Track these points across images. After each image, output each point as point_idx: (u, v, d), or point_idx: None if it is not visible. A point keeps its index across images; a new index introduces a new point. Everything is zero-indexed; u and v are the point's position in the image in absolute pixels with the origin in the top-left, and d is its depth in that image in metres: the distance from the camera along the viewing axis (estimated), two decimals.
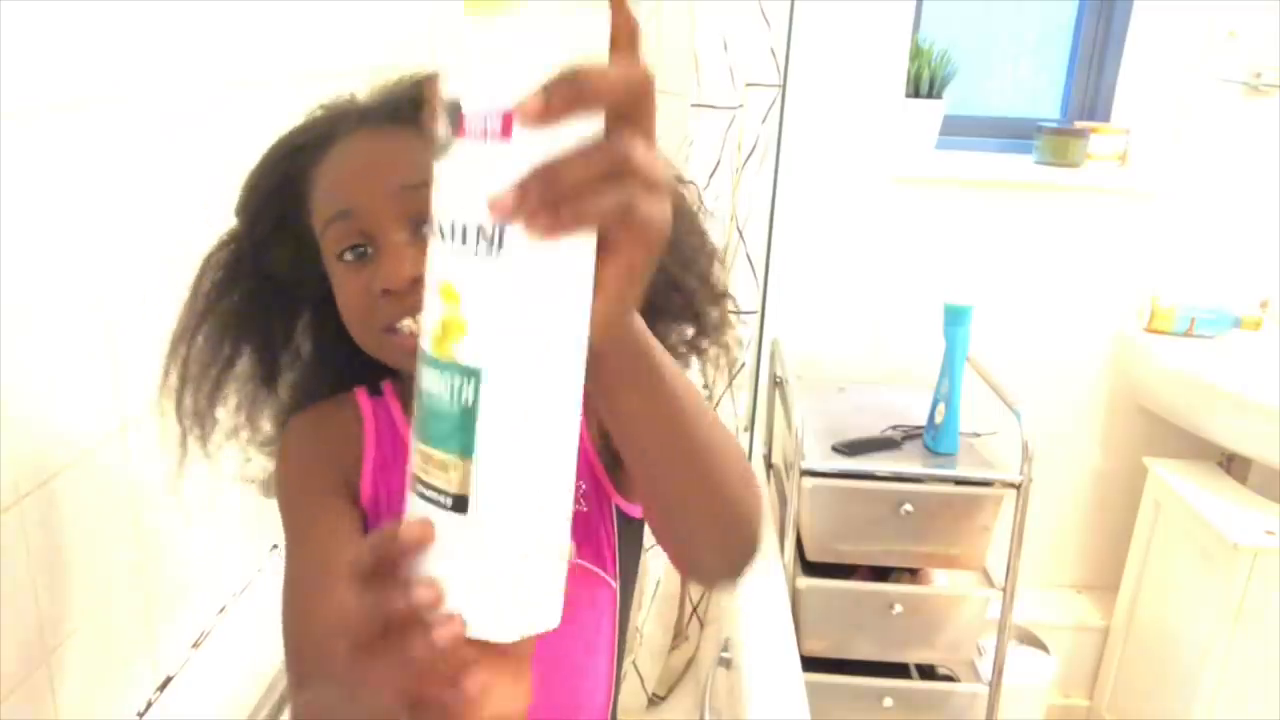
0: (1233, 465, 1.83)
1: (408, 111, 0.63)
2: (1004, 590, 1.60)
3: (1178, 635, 1.74)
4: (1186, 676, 1.68)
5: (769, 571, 1.43)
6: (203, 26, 1.03)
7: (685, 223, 0.68)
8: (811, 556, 1.63)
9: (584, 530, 0.69)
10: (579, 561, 0.70)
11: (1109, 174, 1.87)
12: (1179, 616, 1.75)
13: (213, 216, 0.78)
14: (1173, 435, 1.90)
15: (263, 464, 0.79)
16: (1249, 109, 1.81)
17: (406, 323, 0.62)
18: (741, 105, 1.41)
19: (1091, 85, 1.99)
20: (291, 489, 0.73)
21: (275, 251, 0.70)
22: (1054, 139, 1.87)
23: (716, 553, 0.58)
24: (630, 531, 0.71)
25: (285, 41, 1.25)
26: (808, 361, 1.93)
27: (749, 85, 1.41)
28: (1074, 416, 2.00)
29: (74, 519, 0.84)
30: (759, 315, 1.51)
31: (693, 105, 1.38)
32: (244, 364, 0.73)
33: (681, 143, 1.41)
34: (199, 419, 0.72)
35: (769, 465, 1.88)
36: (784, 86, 1.44)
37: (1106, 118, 1.94)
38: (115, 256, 0.87)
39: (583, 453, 0.68)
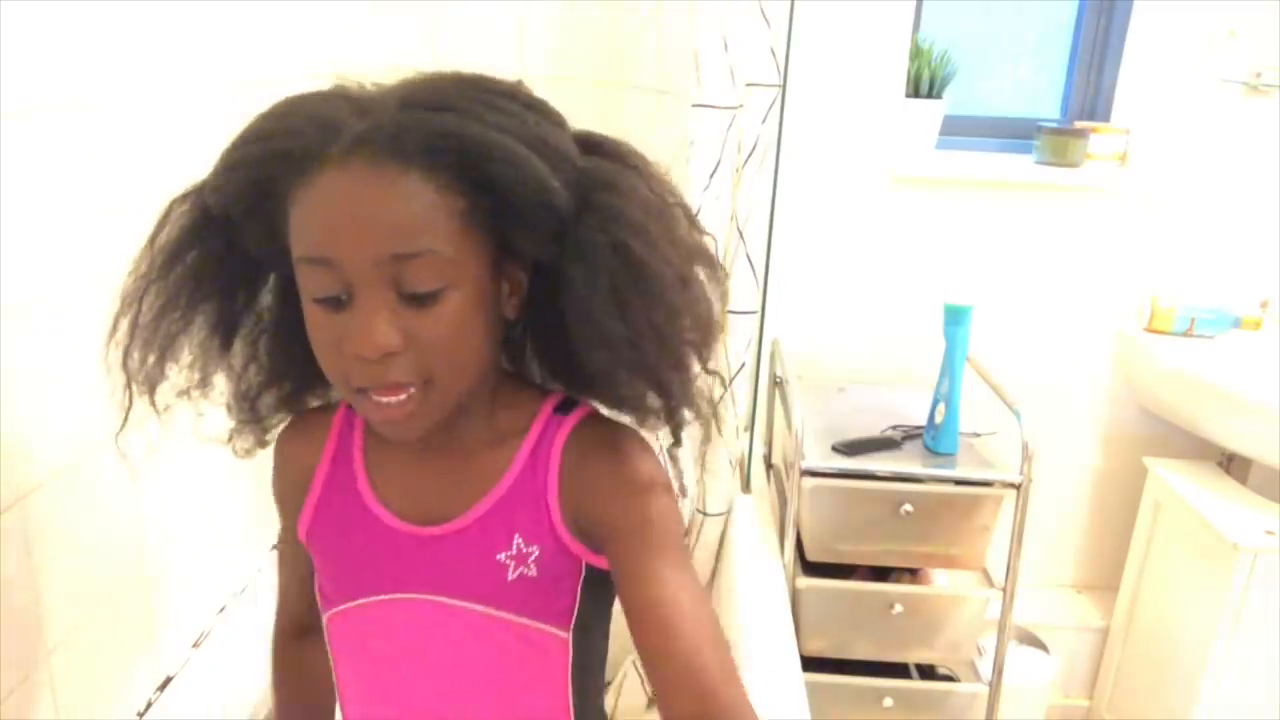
0: (1233, 465, 1.83)
1: (417, 145, 0.58)
2: (1004, 590, 1.60)
3: (1178, 635, 1.74)
4: (1186, 676, 1.68)
5: (769, 571, 1.43)
6: (203, 27, 1.03)
7: (640, 286, 0.62)
8: (811, 556, 1.63)
9: (530, 593, 0.68)
10: (524, 621, 0.69)
11: (1109, 174, 1.87)
12: (1179, 616, 1.75)
13: None
14: (1173, 435, 1.90)
15: (221, 421, 0.75)
16: (1249, 109, 1.81)
17: (387, 401, 0.60)
18: (742, 105, 1.41)
19: (1091, 85, 1.98)
20: (274, 495, 0.78)
21: (245, 230, 0.64)
22: (1054, 139, 1.87)
23: None
24: (600, 579, 0.70)
25: (285, 42, 1.25)
26: (808, 361, 1.93)
27: (749, 85, 1.41)
28: (1074, 416, 2.00)
29: (74, 519, 0.84)
30: (759, 315, 1.51)
31: (693, 105, 1.37)
32: (200, 324, 0.68)
33: (682, 143, 1.40)
34: (147, 377, 0.67)
35: (769, 465, 1.88)
36: (784, 86, 1.43)
37: (1106, 118, 1.94)
38: (114, 256, 0.87)
39: (544, 520, 0.68)
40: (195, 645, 1.05)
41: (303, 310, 0.62)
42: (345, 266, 0.58)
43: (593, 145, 0.66)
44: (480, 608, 0.69)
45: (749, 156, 1.44)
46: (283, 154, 0.60)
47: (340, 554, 0.73)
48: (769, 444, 1.90)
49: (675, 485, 0.70)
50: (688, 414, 0.67)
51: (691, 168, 1.39)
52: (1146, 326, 1.86)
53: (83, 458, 0.84)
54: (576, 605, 0.70)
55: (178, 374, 0.68)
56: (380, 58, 1.74)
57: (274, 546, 0.80)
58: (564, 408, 0.71)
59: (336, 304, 0.59)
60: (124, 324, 0.66)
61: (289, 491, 0.76)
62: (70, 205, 0.81)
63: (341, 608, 0.73)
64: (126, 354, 0.67)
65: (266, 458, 0.77)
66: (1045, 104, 2.05)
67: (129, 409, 0.68)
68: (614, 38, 1.76)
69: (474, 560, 0.68)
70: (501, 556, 0.68)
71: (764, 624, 1.29)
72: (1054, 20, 2.01)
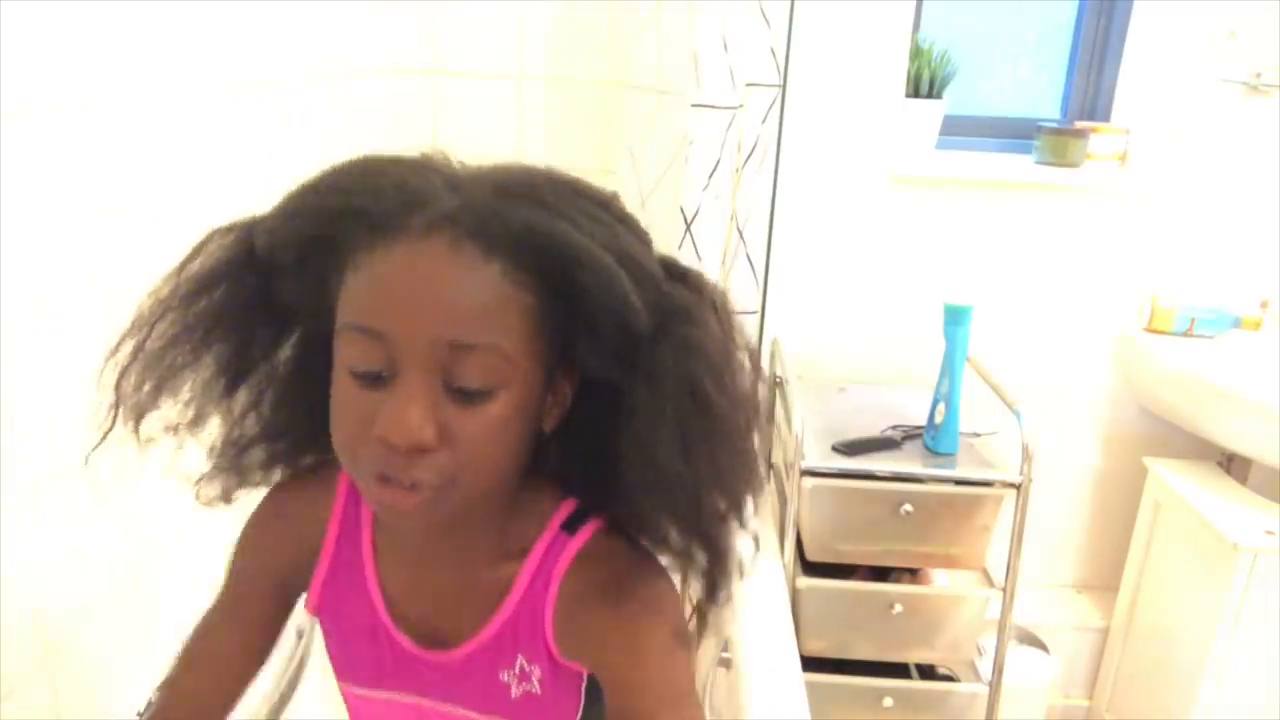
0: (1233, 465, 1.83)
1: (500, 233, 0.55)
2: (1004, 590, 1.60)
3: (1178, 635, 1.74)
4: (1186, 676, 1.68)
5: (769, 571, 1.43)
6: (203, 27, 1.03)
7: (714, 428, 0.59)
8: (811, 556, 1.63)
9: (535, 706, 0.68)
10: None
11: (1109, 174, 1.87)
12: (1179, 616, 1.75)
13: (209, 216, 0.77)
14: (1173, 435, 1.90)
15: (199, 461, 0.70)
16: (1249, 109, 1.81)
17: (400, 497, 0.56)
18: (741, 105, 1.41)
19: (1091, 85, 1.98)
20: (236, 555, 0.73)
21: (288, 279, 0.60)
22: (1054, 139, 1.87)
23: None
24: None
25: (285, 42, 1.25)
26: (808, 361, 1.93)
27: (749, 85, 1.41)
28: (1074, 416, 2.00)
29: (75, 519, 0.84)
30: (759, 315, 1.51)
31: (693, 105, 1.37)
32: (209, 363, 0.63)
33: (681, 143, 1.40)
34: (139, 404, 0.63)
35: (769, 465, 1.88)
36: (784, 86, 1.43)
37: (1106, 118, 1.94)
38: (114, 256, 0.87)
39: (541, 645, 0.66)
40: None
41: (326, 374, 0.59)
42: (397, 343, 0.54)
43: (676, 272, 0.63)
44: (487, 718, 0.68)
45: (749, 156, 1.44)
46: (359, 214, 0.56)
47: (348, 643, 0.71)
48: (769, 444, 1.90)
49: (694, 625, 0.67)
50: (727, 579, 0.63)
51: (691, 167, 1.39)
52: (1146, 326, 1.86)
53: (81, 459, 0.84)
54: (581, 707, 0.69)
55: (170, 408, 0.64)
56: (380, 58, 1.74)
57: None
58: (571, 523, 0.67)
59: (374, 380, 0.55)
60: (129, 345, 0.62)
61: (286, 548, 0.71)
62: (70, 205, 0.81)
63: (355, 689, 0.72)
64: (123, 376, 0.63)
65: None
66: (1045, 104, 2.05)
67: (109, 431, 0.64)
68: (614, 38, 1.76)
69: (480, 677, 0.67)
70: (505, 675, 0.67)
71: (764, 624, 1.29)
72: (1054, 20, 2.01)
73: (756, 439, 0.63)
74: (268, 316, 0.63)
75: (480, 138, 1.84)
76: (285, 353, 0.66)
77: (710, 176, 1.40)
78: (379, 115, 1.76)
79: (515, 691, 0.67)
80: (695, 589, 0.65)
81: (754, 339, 1.44)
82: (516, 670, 0.66)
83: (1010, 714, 1.77)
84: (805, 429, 1.58)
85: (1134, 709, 1.88)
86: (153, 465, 0.78)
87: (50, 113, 0.78)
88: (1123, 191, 1.88)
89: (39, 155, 0.76)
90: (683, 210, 1.40)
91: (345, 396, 0.57)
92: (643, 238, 0.61)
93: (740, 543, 0.63)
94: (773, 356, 1.86)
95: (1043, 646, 1.94)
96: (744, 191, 1.45)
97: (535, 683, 0.66)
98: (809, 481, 1.56)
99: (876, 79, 1.82)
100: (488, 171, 0.60)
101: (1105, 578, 2.06)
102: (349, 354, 0.56)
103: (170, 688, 0.74)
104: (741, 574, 0.64)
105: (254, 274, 0.61)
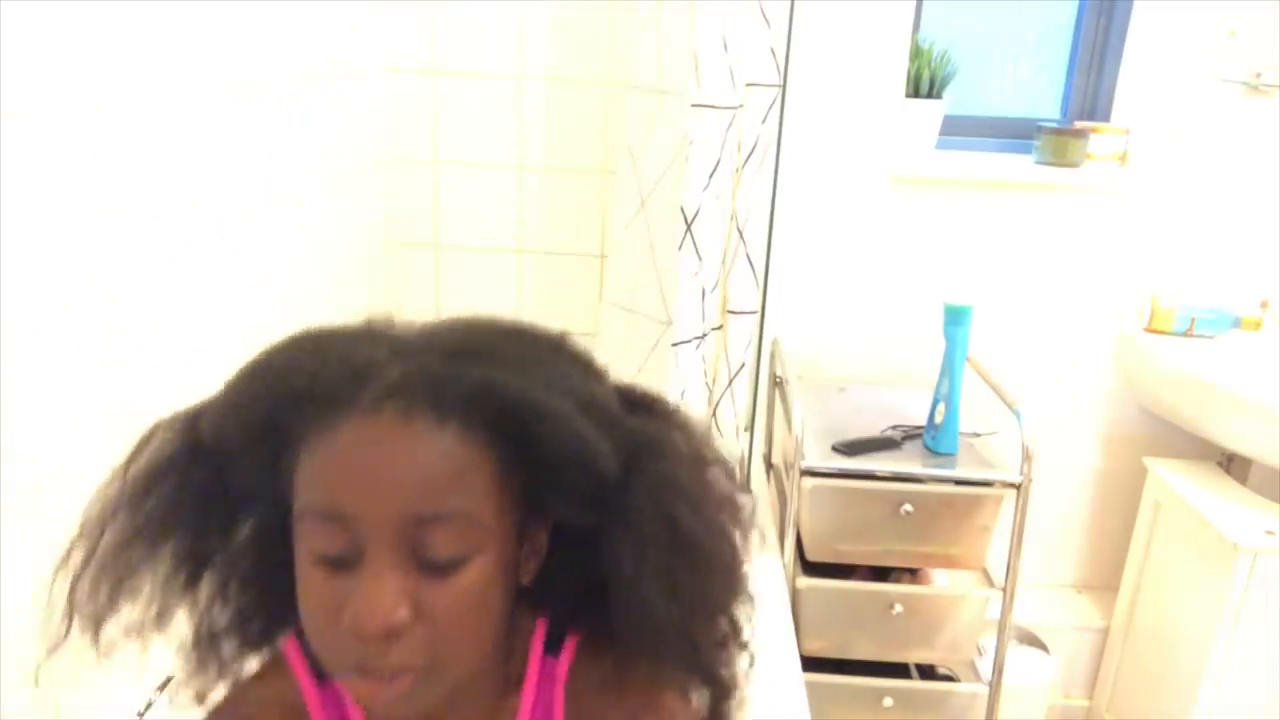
0: (1233, 465, 1.83)
1: (451, 397, 0.52)
2: (1004, 590, 1.60)
3: (1178, 635, 1.74)
4: (1186, 676, 1.68)
5: (769, 571, 1.43)
6: (203, 27, 1.03)
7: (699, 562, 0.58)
8: (811, 556, 1.63)
9: None
10: None
11: (1109, 174, 1.87)
12: (1179, 616, 1.75)
13: (209, 216, 0.78)
14: (1173, 435, 1.90)
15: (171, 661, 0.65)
16: (1249, 109, 1.81)
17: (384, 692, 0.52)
18: (741, 105, 1.41)
19: (1091, 85, 1.99)
20: None
21: (239, 469, 0.57)
22: (1054, 139, 1.87)
23: None
24: None
25: (285, 42, 1.25)
26: (808, 361, 1.93)
27: (749, 85, 1.41)
28: (1074, 417, 2.00)
29: (74, 519, 0.84)
30: (759, 315, 1.51)
31: (693, 105, 1.37)
32: (166, 558, 0.59)
33: (682, 143, 1.41)
34: (95, 612, 0.58)
35: (769, 465, 1.89)
36: (784, 86, 1.43)
37: (1106, 118, 1.94)
38: (114, 257, 0.87)
39: None
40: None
41: (289, 552, 0.55)
42: (360, 524, 0.51)
43: (634, 401, 0.61)
44: None
45: (749, 156, 1.44)
46: (305, 394, 0.53)
47: None
48: (769, 444, 1.90)
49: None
50: (729, 703, 0.62)
51: (691, 167, 1.39)
52: (1146, 326, 1.86)
53: (82, 458, 0.84)
54: None
55: (131, 610, 0.59)
56: (380, 58, 1.74)
57: None
58: (551, 642, 0.64)
59: (340, 565, 0.52)
60: (80, 552, 0.58)
61: None
62: (70, 205, 0.81)
63: None
64: (76, 584, 0.58)
65: None
66: (1045, 104, 2.05)
67: (62, 642, 0.59)
68: (614, 38, 1.76)
69: None
70: None
71: (764, 624, 1.28)
72: (1054, 20, 2.01)
73: (741, 544, 0.61)
74: (222, 505, 0.59)
75: (480, 138, 1.84)
76: (245, 536, 0.61)
77: (710, 176, 1.40)
78: (379, 115, 1.76)
79: None
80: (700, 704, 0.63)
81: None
82: None
83: (1010, 714, 1.77)
84: (805, 429, 1.58)
85: (1134, 709, 1.88)
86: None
87: (50, 113, 0.78)
88: (1123, 191, 1.88)
89: (39, 155, 0.76)
90: (683, 210, 1.40)
91: (311, 586, 0.54)
92: (599, 374, 0.60)
93: (741, 661, 0.63)
94: (773, 356, 1.86)
95: (1043, 646, 1.94)
96: (744, 191, 1.45)
97: None
98: (809, 481, 1.56)
99: (876, 79, 1.82)
100: (436, 332, 0.57)
101: (1105, 578, 2.07)
102: (310, 540, 0.53)
103: None
104: (742, 690, 0.63)
105: (202, 466, 0.57)
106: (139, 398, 0.95)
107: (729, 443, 1.53)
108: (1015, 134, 1.98)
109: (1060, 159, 1.86)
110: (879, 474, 1.58)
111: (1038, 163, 1.89)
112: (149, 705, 0.95)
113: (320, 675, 0.63)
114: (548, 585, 0.61)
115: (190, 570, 0.60)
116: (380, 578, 0.51)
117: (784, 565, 1.53)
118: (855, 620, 1.64)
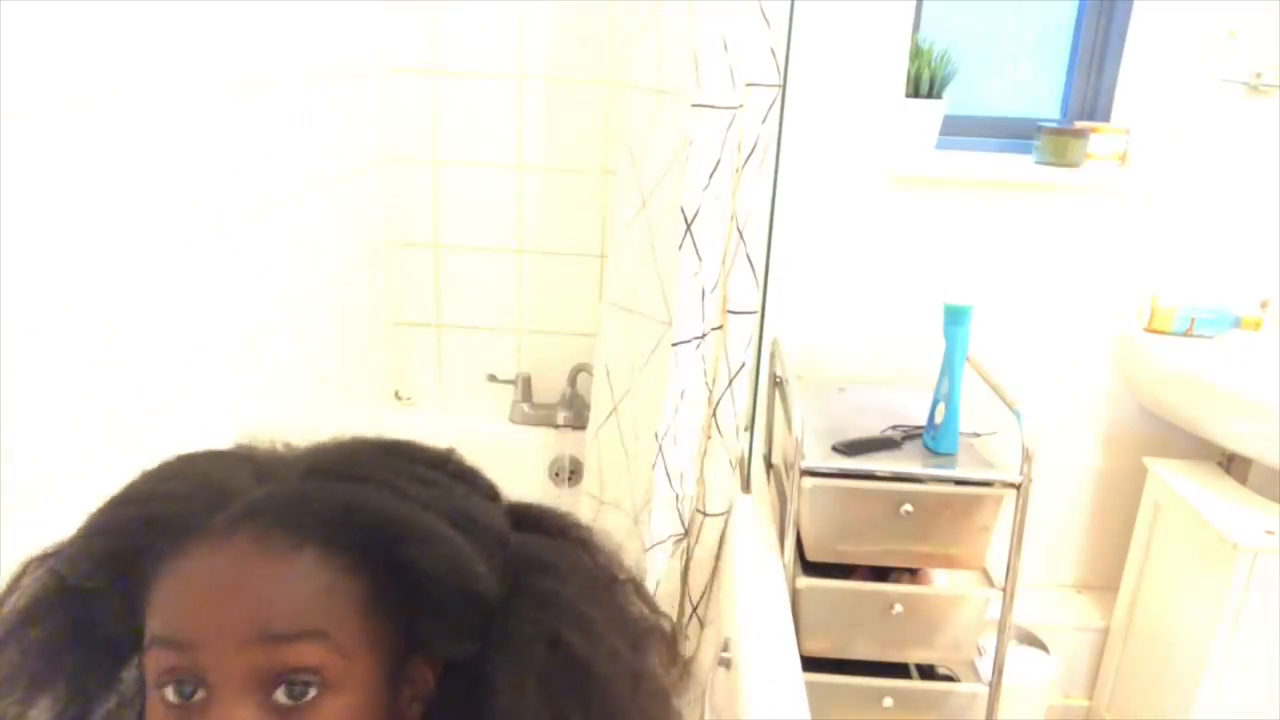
0: (1233, 465, 1.83)
1: (314, 518, 0.50)
2: (1004, 590, 1.60)
3: (1178, 635, 1.74)
4: (1186, 676, 1.68)
5: (769, 571, 1.43)
6: (202, 27, 1.03)
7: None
8: (811, 556, 1.63)
9: None
10: None
11: (1109, 174, 1.87)
12: (1179, 616, 1.75)
13: (209, 216, 0.78)
14: (1173, 435, 1.90)
15: None
16: (1249, 109, 1.81)
17: None
18: (742, 105, 1.41)
19: (1091, 85, 1.99)
20: None
21: (101, 608, 0.53)
22: (1054, 139, 1.87)
23: None
24: None
25: (285, 42, 1.26)
26: (808, 361, 1.93)
27: (749, 85, 1.41)
28: (1074, 417, 2.00)
29: (74, 519, 0.84)
30: (759, 315, 1.51)
31: (693, 105, 1.37)
32: (46, 707, 0.55)
33: (682, 143, 1.41)
34: None
35: (769, 465, 1.89)
36: (784, 86, 1.44)
37: (1106, 118, 1.94)
38: (114, 256, 0.87)
39: None
40: None
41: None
42: (204, 651, 0.47)
43: (529, 519, 0.58)
44: None
45: (749, 156, 1.44)
46: (158, 521, 0.50)
47: None
48: (769, 444, 1.90)
49: None
50: None
51: (691, 167, 1.39)
52: (1146, 326, 1.86)
53: (81, 459, 0.84)
54: None
55: None
56: (380, 58, 1.74)
57: None
58: None
59: (186, 699, 0.48)
60: None
61: None
62: (70, 205, 0.81)
63: None
64: None
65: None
66: (1045, 104, 2.05)
67: None
68: (614, 38, 1.76)
69: None
70: None
71: (764, 624, 1.29)
72: (1054, 20, 2.01)
73: (659, 672, 0.56)
74: (97, 649, 0.55)
75: (480, 138, 1.84)
76: (130, 678, 0.57)
77: (710, 177, 1.40)
78: (379, 115, 1.76)
79: None
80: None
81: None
82: None
83: (1010, 714, 1.77)
84: (805, 429, 1.58)
85: (1134, 709, 1.88)
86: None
87: (50, 113, 0.78)
88: (1123, 191, 1.88)
89: (39, 155, 0.76)
90: (683, 210, 1.40)
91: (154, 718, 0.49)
92: (485, 490, 0.57)
93: None
94: (773, 356, 1.86)
95: (1043, 646, 1.94)
96: (744, 191, 1.45)
97: None
98: (809, 481, 1.56)
99: (876, 79, 1.82)
100: (304, 453, 0.55)
101: (1105, 578, 2.07)
102: (154, 672, 0.49)
103: None
104: None
105: (71, 605, 0.53)
106: (139, 398, 0.95)
107: (729, 443, 1.53)
108: (1015, 134, 1.99)
109: (1060, 159, 1.86)
110: (879, 474, 1.58)
111: (1038, 163, 1.90)
112: None
113: None
114: None
115: (75, 713, 0.56)
116: (230, 708, 0.47)
117: (784, 565, 1.53)
118: (855, 620, 1.64)
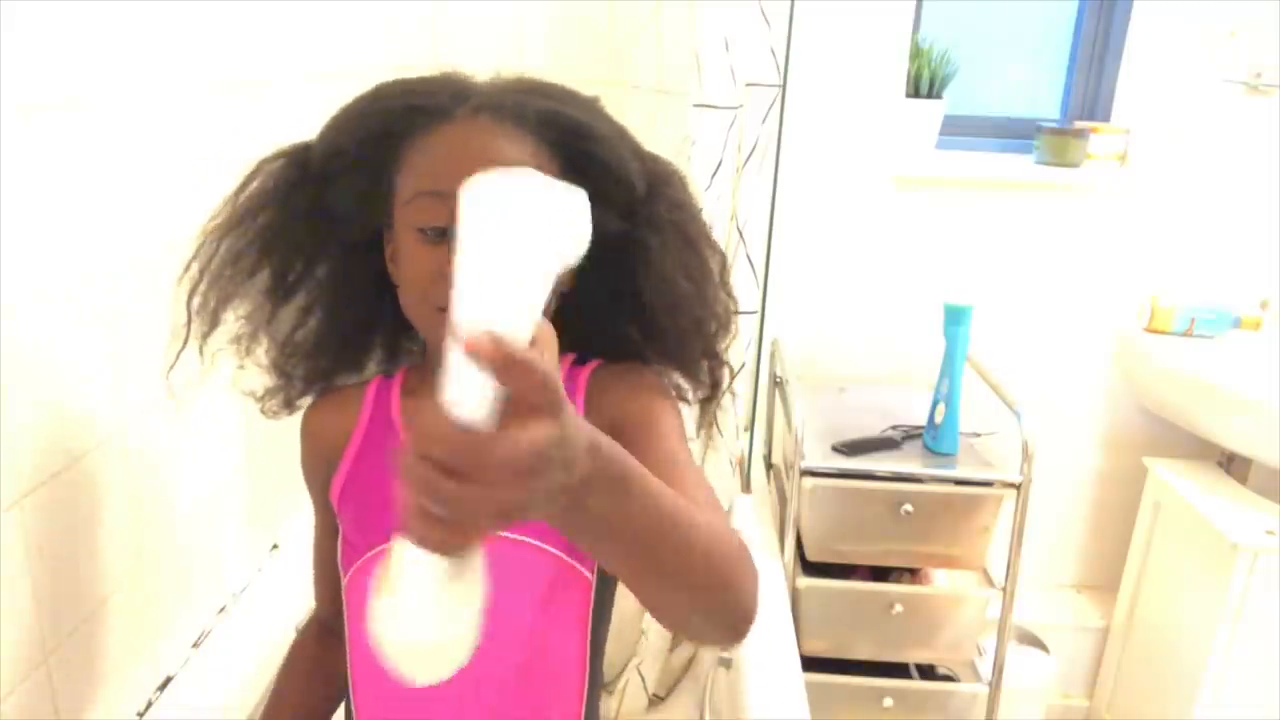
0: (1233, 465, 1.84)
1: (531, 117, 0.69)
2: (1004, 590, 1.60)
3: (1178, 635, 1.74)
4: (1186, 676, 1.68)
5: (769, 571, 1.43)
6: (202, 26, 1.03)
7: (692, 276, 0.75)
8: (811, 556, 1.63)
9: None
10: (560, 555, 0.73)
11: (1109, 174, 1.87)
12: (1179, 616, 1.75)
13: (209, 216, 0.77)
14: (1173, 435, 1.90)
15: (257, 378, 0.81)
16: (1249, 109, 1.81)
17: None
18: (742, 105, 1.41)
19: (1091, 85, 1.99)
20: (304, 477, 0.83)
21: (340, 187, 0.72)
22: (1054, 139, 1.87)
23: (700, 633, 0.64)
24: None
25: (285, 42, 1.25)
26: (808, 361, 1.93)
27: (749, 85, 1.41)
28: (1074, 416, 2.00)
29: (73, 520, 0.84)
30: (759, 315, 1.51)
31: (694, 105, 1.37)
32: (262, 279, 0.75)
33: (683, 143, 1.40)
34: (207, 316, 0.73)
35: (769, 465, 1.88)
36: (784, 86, 1.43)
37: (1106, 118, 1.94)
38: (113, 256, 0.87)
39: None
40: (195, 645, 1.04)
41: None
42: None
43: (648, 153, 0.77)
44: (519, 537, 0.71)
45: (749, 156, 1.44)
46: (417, 109, 0.69)
47: (371, 502, 0.76)
48: (769, 444, 1.90)
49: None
50: (723, 375, 0.79)
51: (693, 168, 1.39)
52: (1146, 326, 1.86)
53: (81, 460, 0.84)
54: None
55: (233, 323, 0.75)
56: (380, 58, 1.74)
57: (274, 546, 0.81)
58: (579, 362, 0.78)
59: (441, 237, 0.66)
60: (195, 267, 0.73)
61: (319, 466, 0.80)
62: (70, 204, 0.81)
63: (370, 554, 0.74)
64: (192, 293, 0.73)
65: (262, 457, 0.76)
66: (1045, 104, 2.05)
67: (184, 344, 0.73)
68: (614, 38, 1.76)
69: None
70: None
71: (764, 624, 1.28)
72: (1054, 20, 2.01)
73: (720, 274, 0.79)
74: (307, 236, 0.74)
75: None
76: (329, 270, 0.77)
77: (712, 177, 1.40)
78: None
79: None
80: (699, 392, 0.80)
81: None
82: None
83: (1010, 714, 1.77)
84: (805, 429, 1.58)
85: (1134, 709, 1.88)
86: (152, 464, 0.78)
87: (50, 113, 0.78)
88: (1123, 191, 1.88)
89: (39, 155, 0.76)
90: None
91: (415, 252, 0.68)
92: (623, 126, 0.76)
93: (722, 372, 0.79)
94: (773, 356, 1.86)
95: (1043, 646, 1.94)
96: (744, 191, 1.45)
97: None
98: (809, 481, 1.56)
99: (876, 79, 1.82)
100: (505, 77, 0.74)
101: (1105, 578, 2.07)
102: (418, 216, 0.68)
103: (292, 655, 0.89)
104: (722, 394, 0.80)
105: (305, 192, 0.73)
106: (138, 397, 0.95)
107: (729, 443, 1.53)
108: (1015, 134, 1.99)
109: (1060, 159, 1.86)
110: (879, 474, 1.58)
111: (1038, 163, 1.90)
112: (149, 705, 0.95)
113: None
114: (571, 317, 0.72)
115: (281, 293, 0.76)
116: None
117: (784, 565, 1.53)
118: (855, 620, 1.64)
